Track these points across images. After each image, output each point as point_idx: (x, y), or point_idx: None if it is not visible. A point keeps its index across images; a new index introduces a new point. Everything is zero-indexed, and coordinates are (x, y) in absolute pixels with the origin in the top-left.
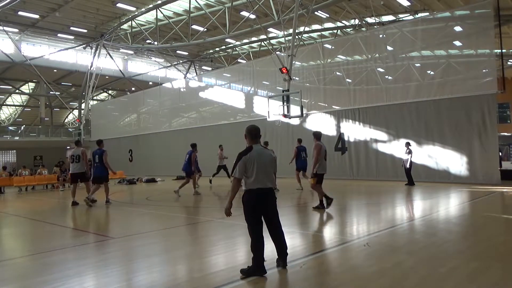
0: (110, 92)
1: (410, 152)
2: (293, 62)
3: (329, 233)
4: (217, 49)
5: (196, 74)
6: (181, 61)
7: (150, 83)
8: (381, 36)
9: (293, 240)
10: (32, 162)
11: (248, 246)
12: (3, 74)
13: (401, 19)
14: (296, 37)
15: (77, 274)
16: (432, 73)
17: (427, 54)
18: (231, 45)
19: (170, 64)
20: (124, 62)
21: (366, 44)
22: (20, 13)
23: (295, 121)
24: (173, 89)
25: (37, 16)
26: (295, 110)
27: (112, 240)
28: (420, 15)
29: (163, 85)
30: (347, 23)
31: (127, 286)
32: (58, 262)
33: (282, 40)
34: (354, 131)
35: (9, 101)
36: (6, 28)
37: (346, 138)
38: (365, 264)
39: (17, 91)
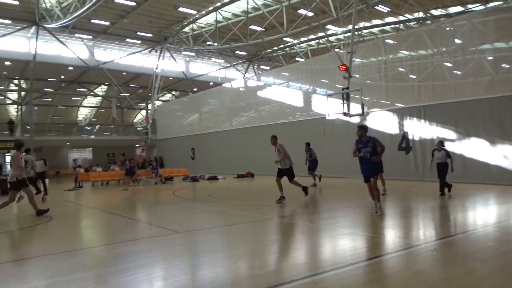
0: (173, 92)
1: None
2: (353, 59)
3: (393, 236)
4: (275, 48)
5: (255, 73)
6: (240, 61)
7: (211, 83)
8: (448, 28)
9: (355, 242)
10: (105, 159)
11: (308, 245)
12: (80, 78)
13: (470, 9)
14: (356, 33)
15: (146, 265)
16: (507, 66)
17: (500, 46)
18: (289, 43)
19: (229, 65)
20: (186, 63)
21: (432, 37)
22: (92, 21)
23: (355, 120)
24: (232, 89)
25: (107, 23)
26: (355, 108)
27: (178, 234)
28: (491, 4)
29: (223, 85)
30: (410, 17)
31: (192, 279)
32: (129, 253)
33: (341, 37)
34: (419, 129)
35: (85, 102)
36: (81, 36)
37: (410, 137)
38: (432, 271)
39: (91, 93)
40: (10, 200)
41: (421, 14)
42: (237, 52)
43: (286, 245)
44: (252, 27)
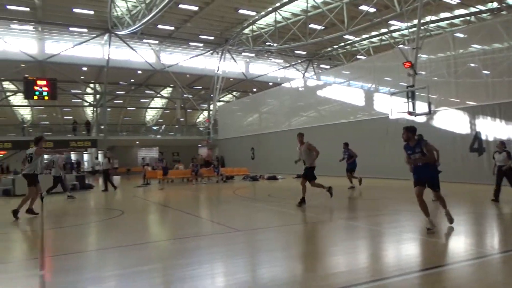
0: (234, 93)
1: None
2: (419, 55)
3: (464, 243)
4: (335, 46)
5: (315, 73)
6: (299, 61)
7: (270, 83)
8: None
9: (420, 249)
10: (171, 158)
11: (371, 248)
12: (147, 81)
13: None
14: (422, 28)
15: (208, 260)
16: None
17: None
18: (350, 41)
19: (289, 64)
20: (246, 64)
21: (508, 29)
22: (159, 26)
23: (421, 119)
24: (292, 89)
25: (172, 28)
26: (421, 107)
27: (238, 232)
28: None
29: (283, 85)
30: (482, 8)
31: (252, 277)
32: (193, 248)
33: (405, 32)
34: (493, 129)
35: (152, 104)
36: (149, 41)
37: (483, 138)
38: (509, 282)
39: (158, 95)
40: (36, 193)
41: (495, 5)
42: (296, 51)
43: (347, 248)
44: (312, 26)
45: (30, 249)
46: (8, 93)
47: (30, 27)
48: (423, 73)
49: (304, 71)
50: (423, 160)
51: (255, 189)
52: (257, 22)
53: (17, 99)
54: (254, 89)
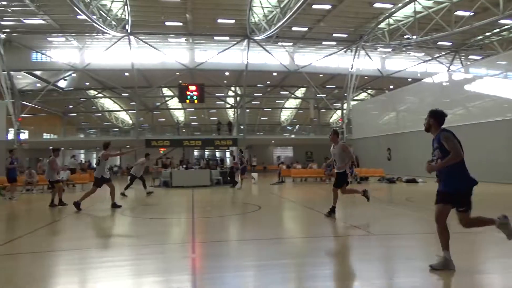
0: (369, 91)
1: None
2: None
3: None
4: (487, 33)
5: (462, 65)
6: (443, 53)
7: (409, 79)
8: None
9: None
10: (304, 157)
11: None
12: (282, 82)
13: None
14: None
15: (341, 262)
16: None
17: None
18: (507, 26)
19: (430, 58)
20: (382, 60)
21: None
22: (293, 28)
23: None
24: (434, 84)
25: (305, 29)
26: None
27: (372, 236)
28: None
29: (423, 80)
30: None
31: (388, 285)
32: (326, 248)
33: None
34: None
35: (286, 104)
36: (283, 43)
37: None
38: None
39: (292, 95)
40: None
41: None
42: (439, 43)
43: (502, 266)
44: (458, 13)
45: (184, 234)
46: (166, 98)
47: (183, 39)
48: None
49: (449, 64)
50: (438, 166)
51: (391, 192)
52: (394, 15)
53: (173, 103)
54: (391, 86)
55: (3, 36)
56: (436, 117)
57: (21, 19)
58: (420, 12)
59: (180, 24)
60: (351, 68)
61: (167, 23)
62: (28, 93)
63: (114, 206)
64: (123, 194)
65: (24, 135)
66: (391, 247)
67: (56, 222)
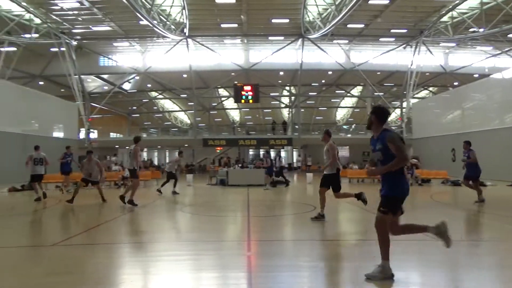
0: (431, 89)
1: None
2: None
3: None
4: None
5: None
6: None
7: (476, 75)
8: None
9: None
10: (361, 157)
11: None
12: (338, 81)
13: None
14: None
15: (401, 267)
16: None
17: None
18: None
19: (500, 52)
20: (445, 56)
21: None
22: (348, 25)
23: None
24: (504, 80)
25: (362, 26)
26: None
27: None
28: None
29: (492, 76)
30: None
31: None
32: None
33: None
34: None
35: (342, 103)
36: (339, 41)
37: None
38: None
39: (348, 94)
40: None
41: None
42: (510, 35)
43: None
44: None
45: (240, 232)
46: (222, 98)
47: (238, 40)
48: None
49: None
50: (380, 170)
51: (456, 196)
52: (457, 7)
53: (229, 103)
54: (455, 83)
55: (74, 43)
56: (378, 114)
57: (90, 26)
58: (488, 3)
59: (235, 25)
60: (411, 65)
61: (222, 25)
62: (97, 95)
63: (131, 203)
64: (159, 191)
65: (94, 134)
66: (456, 253)
67: (118, 218)
